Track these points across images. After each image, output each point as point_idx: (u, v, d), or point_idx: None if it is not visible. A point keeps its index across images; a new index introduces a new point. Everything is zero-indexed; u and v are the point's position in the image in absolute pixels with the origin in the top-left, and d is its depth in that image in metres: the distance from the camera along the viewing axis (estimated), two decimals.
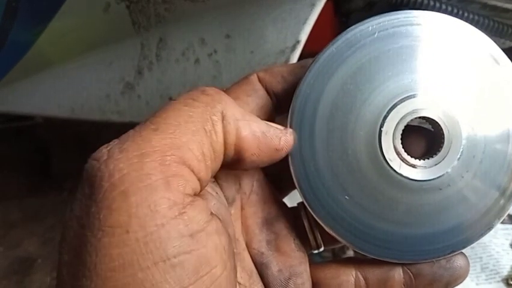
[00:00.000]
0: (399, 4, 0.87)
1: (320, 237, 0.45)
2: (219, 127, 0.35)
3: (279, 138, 0.39)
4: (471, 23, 0.91)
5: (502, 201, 0.41)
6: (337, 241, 0.43)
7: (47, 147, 1.97)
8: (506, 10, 0.99)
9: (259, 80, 0.44)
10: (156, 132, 0.33)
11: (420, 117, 0.40)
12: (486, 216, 0.41)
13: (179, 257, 0.30)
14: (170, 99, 0.76)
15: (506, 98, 0.40)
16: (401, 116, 0.40)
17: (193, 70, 0.72)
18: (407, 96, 0.40)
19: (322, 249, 0.45)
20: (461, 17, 0.89)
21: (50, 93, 0.85)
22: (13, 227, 1.75)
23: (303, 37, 0.65)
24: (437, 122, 0.40)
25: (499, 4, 0.97)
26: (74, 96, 0.83)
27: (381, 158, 0.40)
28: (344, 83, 0.41)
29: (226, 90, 0.42)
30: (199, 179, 0.34)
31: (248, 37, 0.68)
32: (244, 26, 0.68)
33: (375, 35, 0.40)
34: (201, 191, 0.35)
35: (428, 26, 0.40)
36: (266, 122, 0.39)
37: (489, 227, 0.41)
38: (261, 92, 0.43)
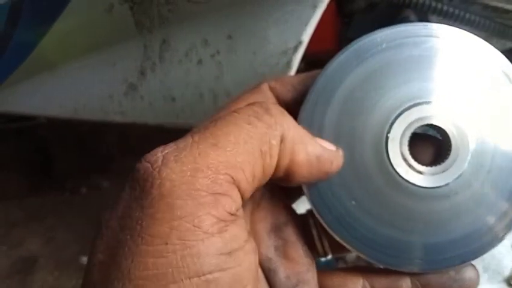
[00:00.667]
0: (401, 5, 0.88)
1: (327, 245, 0.45)
2: (275, 151, 0.35)
3: (331, 162, 0.39)
4: (472, 24, 0.92)
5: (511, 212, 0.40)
6: (345, 249, 0.42)
7: (47, 148, 1.97)
8: (508, 11, 0.99)
9: (270, 89, 0.44)
10: (214, 147, 0.32)
11: (427, 125, 0.40)
12: (496, 226, 0.40)
13: (214, 274, 0.30)
14: (173, 100, 0.76)
15: None
16: (408, 123, 0.40)
17: (196, 71, 0.73)
18: (414, 104, 0.40)
19: (330, 256, 0.45)
20: (463, 18, 0.90)
21: (53, 93, 0.85)
22: (15, 226, 1.76)
23: (306, 38, 0.66)
24: (444, 130, 0.40)
25: (500, 5, 0.98)
26: (77, 96, 0.83)
27: (388, 163, 0.40)
28: (352, 90, 0.41)
29: (238, 98, 0.43)
30: (242, 198, 0.34)
31: (250, 38, 0.68)
32: (247, 27, 0.68)
33: (383, 46, 0.41)
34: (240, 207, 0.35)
35: (437, 38, 0.41)
36: (321, 143, 0.39)
37: (499, 238, 0.40)
38: (272, 100, 0.44)
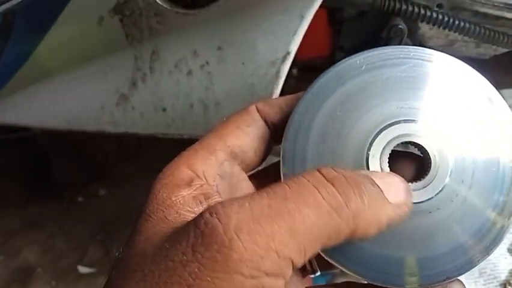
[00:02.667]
0: (391, 13, 0.89)
1: (315, 262, 0.45)
2: (342, 237, 0.35)
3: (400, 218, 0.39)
4: (462, 31, 0.92)
5: (498, 225, 0.41)
6: (333, 266, 0.43)
7: (46, 157, 1.98)
8: (497, 17, 1.00)
9: (258, 111, 0.45)
10: (289, 231, 0.32)
11: (406, 142, 0.41)
12: (482, 241, 0.41)
13: None
14: (164, 110, 0.76)
15: (495, 128, 0.41)
16: (388, 141, 0.41)
17: (186, 81, 0.73)
18: (393, 122, 0.42)
19: (318, 273, 0.46)
20: (453, 25, 0.90)
21: (46, 105, 0.86)
22: (13, 235, 1.76)
23: (293, 48, 0.66)
24: (423, 147, 0.41)
25: (490, 11, 0.98)
26: (70, 107, 0.84)
27: None
28: (333, 110, 0.42)
29: (227, 120, 0.44)
30: None
31: (239, 48, 0.69)
32: (236, 38, 0.69)
33: (363, 68, 0.43)
34: None
35: (415, 60, 0.42)
36: (394, 200, 0.38)
37: (486, 253, 0.41)
38: (260, 122, 0.45)
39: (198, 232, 0.32)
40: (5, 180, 1.89)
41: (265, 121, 0.45)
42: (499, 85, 0.46)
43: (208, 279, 0.30)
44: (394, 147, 0.41)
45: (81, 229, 1.77)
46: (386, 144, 0.41)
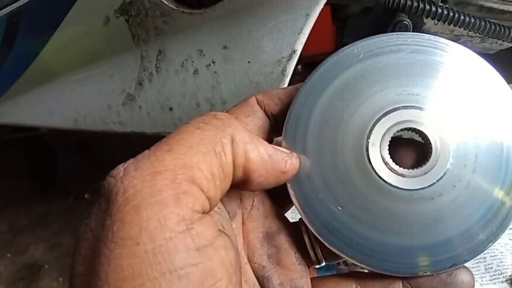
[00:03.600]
0: (395, 9, 0.88)
1: (320, 252, 0.45)
2: (228, 149, 0.37)
3: (285, 161, 0.40)
4: (467, 26, 0.92)
5: (508, 204, 0.40)
6: (338, 256, 0.43)
7: (52, 155, 1.98)
8: (503, 12, 1.00)
9: (258, 102, 0.46)
10: (169, 152, 0.35)
11: (406, 128, 0.41)
12: (488, 226, 0.40)
13: (185, 269, 0.32)
14: (171, 109, 0.77)
15: (497, 111, 0.41)
16: (387, 128, 0.41)
17: (192, 81, 0.74)
18: (392, 109, 0.42)
19: (323, 264, 0.46)
20: (458, 20, 0.90)
21: (53, 105, 0.87)
22: (20, 232, 1.77)
23: (299, 47, 0.67)
24: (424, 133, 0.41)
25: (495, 6, 0.98)
26: (77, 107, 0.84)
27: (370, 168, 0.41)
28: (331, 100, 0.43)
29: (226, 112, 0.44)
30: (208, 198, 0.35)
31: (245, 48, 0.69)
32: (241, 37, 0.69)
33: (361, 56, 0.43)
34: (210, 209, 0.36)
35: (412, 46, 0.42)
36: (273, 145, 0.41)
37: (492, 238, 0.41)
38: (260, 113, 0.45)
39: (100, 197, 0.34)
40: (12, 178, 1.91)
41: (266, 112, 0.45)
42: (507, 80, 0.46)
43: (121, 224, 0.32)
44: (395, 133, 0.41)
45: None
46: (386, 131, 0.41)
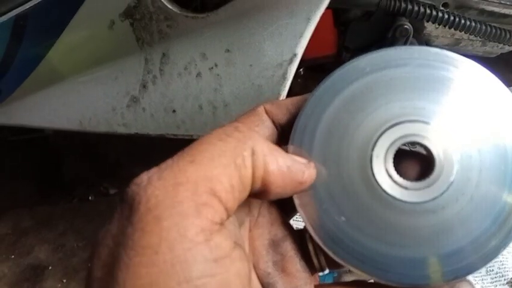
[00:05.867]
0: (397, 13, 0.89)
1: (323, 260, 0.45)
2: (248, 162, 0.37)
3: (303, 172, 0.41)
4: (468, 30, 0.93)
5: (507, 225, 0.40)
6: (342, 264, 0.43)
7: (57, 156, 2.00)
8: (504, 15, 1.00)
9: (266, 112, 0.46)
10: (192, 163, 0.35)
11: (411, 142, 0.42)
12: (491, 240, 0.40)
13: (202, 280, 0.32)
14: (174, 111, 0.78)
15: (505, 127, 0.41)
16: (392, 141, 0.42)
17: (195, 83, 0.75)
18: (397, 122, 0.42)
19: (327, 271, 0.46)
20: (459, 24, 0.91)
21: (58, 106, 0.88)
22: (24, 234, 1.78)
23: (300, 50, 0.67)
24: (427, 147, 0.41)
25: (496, 10, 0.98)
26: (82, 109, 0.86)
27: (374, 180, 0.41)
28: (337, 112, 0.43)
29: (235, 120, 0.45)
30: (226, 209, 0.36)
31: (247, 51, 0.70)
32: (243, 41, 0.70)
33: (367, 69, 0.43)
34: (227, 219, 0.37)
35: (418, 60, 0.42)
36: (292, 156, 0.42)
37: (496, 253, 0.40)
38: (268, 123, 0.45)
39: (122, 203, 0.35)
40: (17, 179, 1.92)
41: (273, 122, 0.46)
42: (506, 83, 0.46)
43: (142, 233, 0.33)
44: (401, 146, 0.42)
45: (92, 228, 1.78)
46: (390, 145, 0.42)
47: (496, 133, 0.41)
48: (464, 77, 0.42)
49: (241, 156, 0.37)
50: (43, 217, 1.82)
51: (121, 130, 0.84)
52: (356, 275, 0.43)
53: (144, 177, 0.35)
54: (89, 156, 2.00)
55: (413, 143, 0.42)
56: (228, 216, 0.37)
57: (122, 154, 1.98)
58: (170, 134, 0.81)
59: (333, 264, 0.46)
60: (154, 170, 0.36)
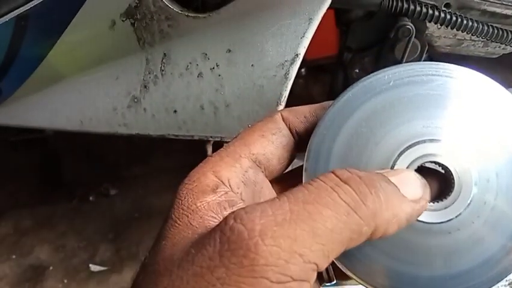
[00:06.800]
0: (399, 14, 0.89)
1: (332, 271, 0.45)
2: (364, 238, 0.36)
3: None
4: (470, 30, 0.93)
5: None
6: (350, 277, 0.43)
7: (57, 157, 2.00)
8: (506, 16, 1.00)
9: (283, 119, 0.45)
10: (311, 234, 0.33)
11: (430, 162, 0.41)
12: (501, 262, 0.40)
13: None
14: (175, 112, 0.78)
15: None
16: (411, 160, 0.41)
17: (196, 84, 0.75)
18: (418, 141, 0.41)
19: (334, 282, 0.46)
20: (461, 24, 0.91)
21: (59, 107, 0.88)
22: (25, 234, 1.78)
23: (302, 50, 0.67)
24: (447, 168, 0.41)
25: (498, 10, 0.98)
26: (83, 109, 0.86)
27: None
28: (358, 126, 0.42)
29: (252, 127, 0.44)
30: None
31: (249, 51, 0.70)
32: (245, 41, 0.70)
33: (391, 83, 0.42)
34: None
35: (444, 77, 0.42)
36: (411, 197, 0.39)
37: (504, 275, 0.40)
38: (285, 131, 0.45)
39: (224, 237, 0.32)
40: (17, 180, 1.92)
41: (290, 129, 0.45)
42: (509, 84, 0.46)
43: (235, 284, 0.31)
44: (419, 166, 0.41)
45: (92, 228, 1.79)
46: (410, 164, 0.41)
47: None
48: (486, 97, 0.42)
49: (359, 233, 0.35)
50: (44, 217, 1.82)
51: (122, 130, 0.84)
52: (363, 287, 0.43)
53: (256, 221, 0.32)
54: (90, 157, 2.00)
55: (433, 163, 0.41)
56: None
57: (122, 154, 1.98)
58: (172, 134, 0.80)
59: (340, 275, 0.45)
60: (268, 218, 0.33)
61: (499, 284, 1.12)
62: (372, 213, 0.36)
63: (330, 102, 0.44)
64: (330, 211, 0.34)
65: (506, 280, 1.20)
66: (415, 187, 0.39)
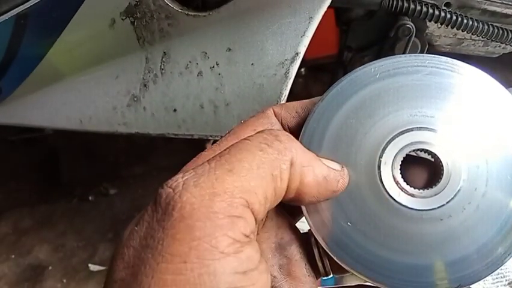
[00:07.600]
0: (399, 13, 0.89)
1: (328, 265, 0.46)
2: (285, 175, 0.37)
3: (338, 181, 0.41)
4: (470, 29, 0.93)
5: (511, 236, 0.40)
6: (346, 269, 0.43)
7: (57, 156, 1.99)
8: (506, 15, 1.00)
9: (275, 115, 0.46)
10: (230, 173, 0.35)
11: (419, 149, 0.42)
12: (497, 249, 0.41)
13: None
14: (175, 111, 0.78)
15: (510, 131, 0.41)
16: (399, 148, 0.42)
17: (196, 82, 0.75)
18: (406, 130, 0.42)
19: (331, 276, 0.46)
20: (461, 24, 0.90)
21: (59, 106, 0.88)
22: (24, 234, 1.78)
23: (302, 49, 0.67)
24: (436, 155, 0.41)
25: (498, 10, 0.98)
26: (82, 108, 0.85)
27: (381, 186, 0.42)
28: (347, 117, 0.43)
29: (244, 123, 0.45)
30: (256, 220, 0.36)
31: (249, 50, 0.70)
32: (245, 39, 0.70)
33: (377, 76, 0.43)
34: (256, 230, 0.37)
35: (429, 68, 0.43)
36: (327, 164, 0.41)
37: (501, 261, 0.41)
38: (277, 126, 0.46)
39: (156, 205, 0.34)
40: (17, 179, 1.92)
41: (282, 124, 0.46)
42: (508, 84, 0.46)
43: (172, 238, 0.32)
44: (408, 153, 0.42)
45: (91, 227, 1.78)
46: (398, 152, 0.42)
47: (504, 144, 0.41)
48: (472, 86, 0.42)
49: (279, 169, 0.37)
50: (43, 217, 1.82)
51: (122, 129, 0.84)
52: (360, 279, 0.43)
53: (179, 180, 0.35)
54: (89, 156, 2.00)
55: (421, 151, 0.42)
56: (257, 226, 0.37)
57: (122, 154, 1.98)
58: (171, 133, 0.80)
59: (337, 269, 0.46)
60: (190, 174, 0.35)
61: (499, 284, 1.12)
62: (285, 148, 0.38)
63: (321, 97, 0.45)
64: (246, 152, 0.36)
65: (506, 280, 1.19)
66: (334, 163, 0.42)
